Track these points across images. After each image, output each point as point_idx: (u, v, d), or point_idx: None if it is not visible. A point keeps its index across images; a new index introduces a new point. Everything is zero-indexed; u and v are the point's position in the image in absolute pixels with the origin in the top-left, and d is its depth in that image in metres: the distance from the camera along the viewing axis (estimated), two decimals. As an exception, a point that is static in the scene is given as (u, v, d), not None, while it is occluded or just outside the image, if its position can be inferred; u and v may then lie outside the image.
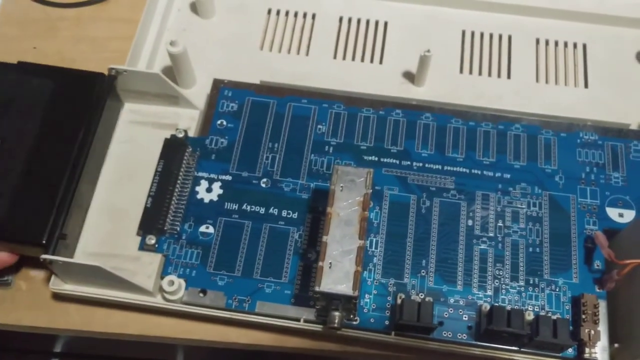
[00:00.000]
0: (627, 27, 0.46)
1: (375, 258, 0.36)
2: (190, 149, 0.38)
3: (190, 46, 0.42)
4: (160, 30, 0.45)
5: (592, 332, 0.33)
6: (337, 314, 0.33)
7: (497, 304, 0.34)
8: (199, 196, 0.37)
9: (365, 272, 0.35)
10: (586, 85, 0.44)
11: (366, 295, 0.35)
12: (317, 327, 0.34)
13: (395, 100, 0.41)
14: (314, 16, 0.46)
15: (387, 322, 0.34)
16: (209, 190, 0.38)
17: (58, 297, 0.37)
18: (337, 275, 0.31)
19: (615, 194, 0.38)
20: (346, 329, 0.34)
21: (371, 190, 0.33)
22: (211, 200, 0.37)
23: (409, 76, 0.44)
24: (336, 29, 0.46)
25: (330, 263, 0.31)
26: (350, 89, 0.42)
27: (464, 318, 0.34)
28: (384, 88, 0.42)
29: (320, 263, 0.31)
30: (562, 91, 0.43)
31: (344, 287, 0.31)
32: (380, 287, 0.35)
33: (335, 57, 0.45)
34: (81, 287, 0.36)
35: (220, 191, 0.37)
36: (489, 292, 0.35)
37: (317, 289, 0.31)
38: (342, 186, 0.33)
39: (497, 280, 0.35)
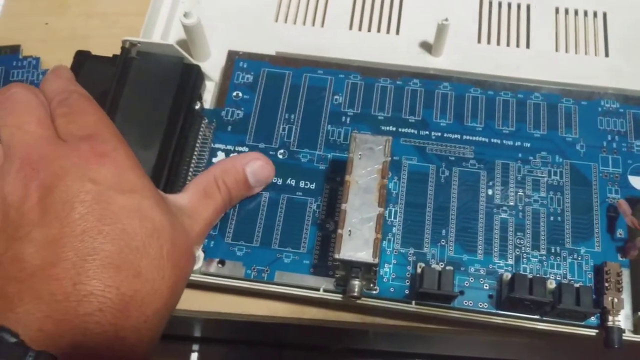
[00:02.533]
0: (649, -6, 0.45)
1: (394, 228, 0.35)
2: (207, 121, 0.38)
3: (204, 18, 0.42)
4: (174, 3, 0.44)
5: (616, 300, 0.33)
6: (356, 282, 0.33)
7: (519, 272, 0.33)
8: (215, 167, 0.37)
9: (384, 241, 0.35)
10: (607, 54, 0.43)
11: (385, 264, 0.35)
12: (337, 297, 0.34)
13: (413, 70, 0.40)
14: (356, -11, 0.46)
15: (407, 292, 0.34)
16: (225, 161, 0.37)
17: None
18: (356, 243, 0.31)
19: (637, 162, 0.37)
20: (366, 298, 0.34)
21: (390, 158, 0.33)
22: (228, 172, 0.37)
23: (426, 46, 0.43)
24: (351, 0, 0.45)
25: (350, 231, 0.31)
26: (369, 60, 0.41)
27: (484, 287, 0.34)
28: (401, 58, 0.42)
29: (339, 231, 0.31)
30: (582, 60, 0.43)
31: (364, 255, 0.30)
32: (399, 256, 0.35)
33: (351, 28, 0.44)
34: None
35: (237, 162, 0.37)
36: (510, 261, 0.35)
37: (336, 256, 0.31)
38: (360, 154, 0.33)
39: (518, 249, 0.35)
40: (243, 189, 0.34)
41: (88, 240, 0.25)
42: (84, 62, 0.37)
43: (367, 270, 0.32)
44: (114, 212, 0.26)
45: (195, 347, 0.49)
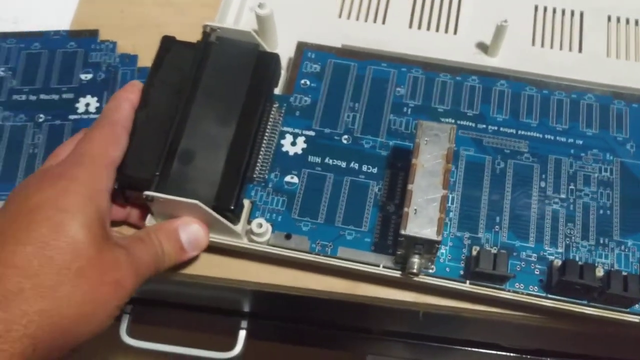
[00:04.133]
0: (700, 5, 0.46)
1: (451, 213, 0.38)
2: (277, 105, 0.40)
3: (273, 10, 0.44)
4: (243, -5, 0.47)
5: (661, 289, 0.34)
6: (416, 260, 0.35)
7: (570, 259, 0.35)
8: (284, 149, 0.39)
9: (441, 225, 0.37)
10: (657, 61, 0.45)
11: (442, 246, 0.37)
12: (396, 273, 0.36)
13: (472, 67, 0.43)
14: (388, -12, 0.48)
15: (461, 272, 0.36)
16: (293, 144, 0.40)
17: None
18: (421, 221, 0.33)
19: (685, 164, 0.39)
20: (423, 276, 0.36)
21: (454, 145, 0.35)
22: (295, 153, 0.39)
23: (483, 47, 0.45)
24: (411, 1, 0.48)
25: (415, 210, 0.33)
26: (429, 56, 0.43)
27: (535, 272, 0.36)
28: (458, 57, 0.44)
29: (406, 209, 0.33)
30: (633, 66, 0.45)
31: (429, 232, 0.33)
32: (455, 239, 0.37)
33: (410, 26, 0.47)
34: (173, 227, 0.38)
35: (304, 145, 0.40)
36: (560, 249, 0.37)
37: (403, 232, 0.33)
38: (426, 140, 0.35)
39: (568, 239, 0.37)
40: (175, 246, 0.36)
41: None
42: (170, 47, 0.40)
43: (429, 249, 0.34)
44: (39, 222, 0.30)
45: (244, 323, 0.51)
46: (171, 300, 0.54)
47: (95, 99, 0.43)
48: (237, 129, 0.37)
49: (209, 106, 0.38)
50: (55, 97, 0.43)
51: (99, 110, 0.43)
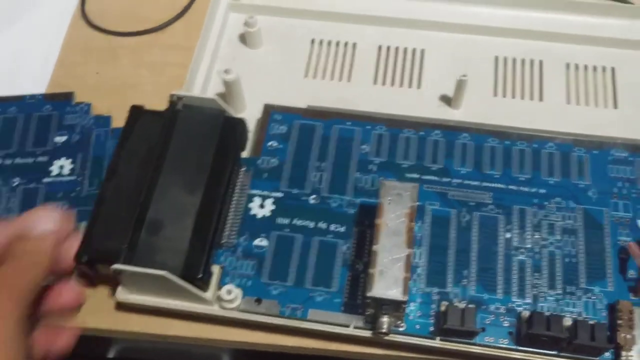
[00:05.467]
0: (654, 51, 0.48)
1: (419, 268, 0.38)
2: (244, 169, 0.41)
3: (240, 74, 0.45)
4: (212, 59, 0.48)
5: (628, 336, 0.35)
6: (386, 319, 0.35)
7: (536, 310, 0.36)
8: (252, 212, 0.40)
9: (410, 281, 0.37)
10: (615, 106, 0.46)
11: (411, 303, 0.37)
12: (366, 333, 0.36)
13: (435, 122, 0.43)
14: (354, 45, 0.49)
15: (431, 328, 0.36)
16: (261, 206, 0.40)
17: (122, 306, 0.40)
18: (387, 282, 0.33)
19: (646, 208, 0.40)
20: (393, 334, 0.36)
21: (417, 203, 0.35)
22: (264, 216, 0.40)
23: (446, 100, 0.46)
24: (376, 56, 0.49)
25: (381, 270, 0.34)
26: (392, 112, 0.44)
27: (504, 324, 0.36)
28: (422, 111, 0.45)
29: (371, 270, 0.34)
30: (592, 112, 0.46)
31: (394, 292, 0.33)
32: (424, 295, 0.37)
33: (375, 82, 0.48)
34: (145, 296, 0.38)
35: (273, 207, 0.40)
36: (528, 300, 0.37)
37: (368, 294, 0.33)
38: (389, 199, 0.36)
39: (535, 289, 0.37)
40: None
41: None
42: (138, 116, 0.40)
43: (396, 308, 0.34)
44: None
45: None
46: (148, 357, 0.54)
47: (70, 161, 0.44)
48: (204, 196, 0.38)
49: (177, 174, 0.38)
50: (30, 160, 0.44)
51: (72, 172, 0.43)
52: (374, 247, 0.34)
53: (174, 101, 0.41)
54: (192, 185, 0.38)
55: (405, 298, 0.33)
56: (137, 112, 0.41)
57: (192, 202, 0.38)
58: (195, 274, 0.36)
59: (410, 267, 0.34)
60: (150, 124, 0.40)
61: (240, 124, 0.41)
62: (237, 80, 0.43)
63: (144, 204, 0.37)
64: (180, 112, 0.41)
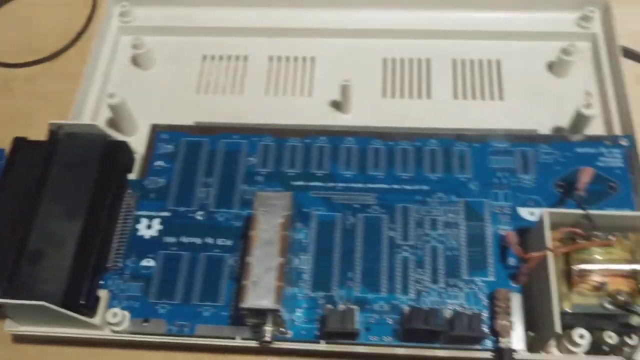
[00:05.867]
0: (537, 41, 0.49)
1: (305, 275, 0.38)
2: (130, 191, 0.41)
3: (133, 96, 0.46)
4: (104, 84, 0.48)
5: (505, 322, 0.36)
6: (268, 328, 0.35)
7: (414, 305, 0.36)
8: (139, 233, 0.40)
9: (296, 288, 0.38)
10: (501, 98, 0.47)
11: (297, 309, 0.37)
12: (253, 343, 0.37)
13: (321, 128, 0.44)
14: (245, 58, 0.50)
15: (317, 333, 0.37)
16: (149, 227, 0.40)
17: (19, 338, 0.40)
18: (260, 292, 0.34)
19: (526, 195, 0.40)
20: (279, 341, 0.36)
21: (290, 212, 0.36)
22: (151, 236, 0.40)
23: (336, 105, 0.47)
24: (267, 67, 0.49)
25: (254, 281, 0.34)
26: (283, 122, 0.45)
27: (388, 322, 0.37)
28: (314, 118, 0.46)
29: (244, 282, 0.34)
30: (479, 105, 0.47)
31: (267, 302, 0.33)
32: (310, 300, 0.38)
33: (267, 93, 0.48)
34: (35, 327, 0.38)
35: (160, 227, 0.40)
36: (412, 296, 0.38)
37: (241, 305, 0.33)
38: (263, 210, 0.36)
39: (418, 284, 0.38)
40: None
41: None
42: (20, 148, 0.41)
43: (272, 317, 0.34)
44: None
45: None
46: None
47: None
48: (85, 222, 0.38)
49: (57, 203, 0.39)
50: None
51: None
52: (247, 259, 0.35)
53: (54, 130, 0.41)
54: (73, 213, 0.38)
55: (277, 306, 0.33)
56: (19, 144, 0.41)
57: (72, 230, 0.38)
58: (77, 300, 0.36)
59: (284, 276, 0.34)
60: (33, 154, 0.41)
61: (122, 146, 0.41)
62: (122, 103, 0.44)
63: (23, 235, 0.37)
64: (61, 140, 0.41)
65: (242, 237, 0.40)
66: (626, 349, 0.35)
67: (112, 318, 0.37)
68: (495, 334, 0.36)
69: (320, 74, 0.49)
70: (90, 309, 0.37)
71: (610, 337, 0.35)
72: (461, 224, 0.40)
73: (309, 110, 0.47)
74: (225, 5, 0.51)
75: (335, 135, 0.43)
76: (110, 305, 0.38)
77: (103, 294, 0.38)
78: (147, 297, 0.38)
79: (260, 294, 0.34)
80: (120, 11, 0.51)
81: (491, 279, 0.38)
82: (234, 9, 0.51)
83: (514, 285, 0.38)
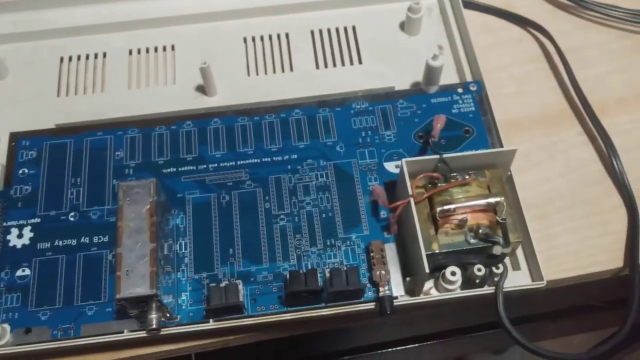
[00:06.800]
0: (387, 3, 0.51)
1: (186, 258, 0.39)
2: (-5, 202, 0.40)
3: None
4: (-48, 100, 0.46)
5: (382, 272, 0.37)
6: (153, 316, 0.35)
7: (293, 270, 0.37)
8: (11, 244, 0.39)
9: (178, 273, 0.38)
10: (360, 62, 0.48)
11: (182, 293, 0.38)
12: (141, 334, 0.36)
13: (186, 113, 0.44)
14: (104, 54, 0.49)
15: (204, 313, 0.37)
16: (20, 236, 0.39)
17: None
18: (134, 280, 0.34)
19: (389, 150, 0.42)
20: (167, 327, 0.37)
21: (156, 197, 0.36)
22: (24, 245, 0.39)
23: (201, 89, 0.47)
24: (127, 62, 0.49)
25: (127, 271, 0.34)
26: (149, 113, 0.45)
27: (273, 290, 0.38)
28: (182, 105, 0.46)
29: (117, 273, 0.34)
30: (340, 72, 0.48)
31: (142, 289, 0.33)
32: (194, 282, 0.38)
33: (130, 87, 0.48)
34: None
35: (32, 234, 0.39)
36: (293, 262, 0.39)
37: (117, 296, 0.33)
38: (128, 200, 0.36)
39: (298, 250, 0.39)
40: None
41: None
42: None
43: (152, 303, 0.34)
44: None
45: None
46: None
47: None
48: None
49: None
50: None
51: None
52: (118, 250, 0.34)
53: None
54: None
55: (153, 292, 0.33)
56: None
57: None
58: None
59: (157, 260, 0.34)
60: None
61: None
62: (-28, 115, 0.42)
63: None
64: None
65: (118, 232, 0.39)
66: (495, 279, 0.38)
67: (-9, 333, 0.36)
68: (375, 285, 0.37)
69: (182, 61, 0.49)
70: (-37, 327, 0.36)
71: (480, 270, 0.37)
72: (332, 186, 0.41)
73: (175, 98, 0.47)
74: (77, 4, 0.49)
75: (201, 118, 0.44)
76: (-12, 321, 0.37)
77: (-22, 311, 0.37)
78: (25, 307, 0.37)
79: (134, 282, 0.34)
80: (-37, 22, 0.49)
81: (366, 233, 0.39)
82: (87, 6, 0.50)
83: (387, 236, 0.39)
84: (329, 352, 0.63)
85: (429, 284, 0.38)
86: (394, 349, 0.64)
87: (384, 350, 0.64)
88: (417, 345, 0.64)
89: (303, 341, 0.60)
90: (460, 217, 0.36)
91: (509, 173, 0.40)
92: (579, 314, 0.66)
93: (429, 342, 0.64)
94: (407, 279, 0.38)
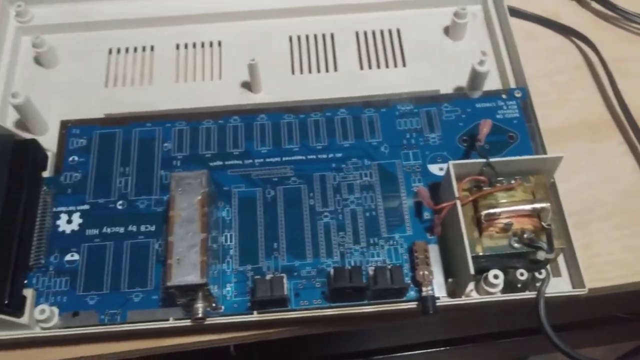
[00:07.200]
0: (432, 8, 0.51)
1: (231, 250, 0.39)
2: (45, 188, 0.41)
3: (40, 95, 0.45)
4: (7, 86, 0.47)
5: (425, 272, 0.38)
6: (199, 305, 0.36)
7: (337, 266, 0.38)
8: (60, 229, 0.40)
9: (224, 264, 0.39)
10: (404, 64, 0.49)
11: (227, 284, 0.38)
12: (186, 322, 0.37)
13: (233, 108, 0.45)
14: (152, 48, 0.50)
15: (249, 305, 0.38)
16: (69, 222, 0.40)
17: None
18: (185, 269, 0.34)
19: (434, 152, 0.43)
20: (213, 317, 0.37)
21: (207, 189, 0.37)
22: (72, 231, 0.40)
23: (247, 85, 0.48)
24: (175, 55, 0.50)
25: (178, 259, 0.35)
26: (195, 106, 0.45)
27: (316, 286, 0.38)
28: (227, 100, 0.47)
29: (168, 261, 0.34)
30: (384, 73, 0.48)
31: (192, 277, 0.34)
32: (239, 274, 0.39)
33: (177, 80, 0.48)
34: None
35: (80, 220, 0.40)
36: (336, 258, 0.39)
37: (168, 284, 0.34)
38: (180, 190, 0.37)
39: (341, 247, 0.39)
40: None
41: None
42: None
43: (200, 292, 0.35)
44: None
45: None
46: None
47: None
48: (0, 224, 0.37)
49: (-32, 207, 0.38)
50: None
51: None
52: (169, 238, 0.35)
53: (-44, 133, 0.40)
54: None
55: (203, 280, 0.34)
56: None
57: (-15, 232, 0.37)
58: (1, 301, 0.35)
59: (207, 250, 0.35)
60: None
61: (32, 144, 0.41)
62: (26, 102, 0.43)
63: None
64: (-34, 143, 0.40)
65: (166, 222, 0.40)
66: (537, 284, 0.38)
67: (40, 315, 0.37)
68: (418, 284, 0.38)
69: (228, 57, 0.49)
70: (15, 308, 0.36)
71: (522, 275, 0.38)
72: (376, 186, 0.41)
73: (220, 93, 0.47)
74: (126, -2, 0.51)
75: (248, 113, 0.44)
76: (37, 303, 0.38)
77: (28, 292, 0.38)
78: (74, 291, 0.38)
79: (185, 270, 0.34)
80: (16, 11, 0.49)
81: (409, 233, 0.40)
82: (137, 0, 0.50)
83: (430, 237, 0.40)
84: (334, 354, 0.64)
85: (469, 287, 0.38)
86: (403, 353, 0.64)
87: (385, 355, 0.64)
88: (428, 350, 0.64)
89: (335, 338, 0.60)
90: (505, 221, 0.37)
91: (552, 180, 0.40)
92: (603, 325, 0.66)
93: (441, 349, 0.64)
94: (449, 280, 0.38)
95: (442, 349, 0.63)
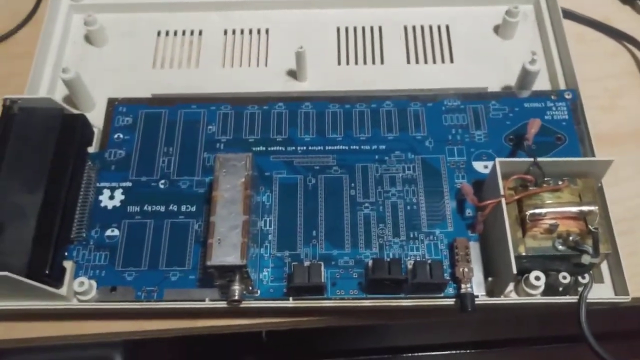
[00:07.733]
0: (483, 6, 0.50)
1: (270, 235, 0.39)
2: (90, 163, 0.41)
3: (88, 73, 0.46)
4: (57, 62, 0.48)
5: (466, 269, 0.37)
6: (236, 287, 0.36)
7: (377, 257, 0.37)
8: (102, 204, 0.40)
9: (262, 248, 0.39)
10: (452, 61, 0.48)
11: (264, 269, 0.38)
12: (222, 304, 0.37)
13: (277, 95, 0.45)
14: (200, 32, 0.50)
15: (285, 290, 0.37)
16: (111, 197, 0.41)
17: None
18: (225, 249, 0.34)
19: (479, 150, 0.42)
20: (248, 301, 0.37)
21: (251, 172, 0.37)
22: (114, 207, 0.40)
23: (292, 74, 0.48)
24: (222, 40, 0.50)
25: (219, 239, 0.35)
26: (240, 91, 0.46)
27: (353, 276, 0.38)
28: (272, 87, 0.47)
29: (209, 240, 0.35)
30: (431, 68, 0.48)
31: (233, 258, 0.34)
32: (276, 260, 0.38)
33: (224, 65, 0.49)
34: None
35: (122, 197, 0.41)
36: (375, 250, 0.39)
37: (208, 263, 0.34)
38: (224, 171, 0.37)
39: (380, 239, 0.39)
40: None
41: None
42: None
43: (239, 274, 0.35)
44: None
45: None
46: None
47: None
48: (46, 194, 0.38)
49: (16, 176, 0.38)
50: None
51: None
52: (211, 218, 0.35)
53: (7, 105, 0.40)
54: (33, 186, 0.38)
55: (244, 262, 0.34)
56: None
57: (33, 202, 0.38)
58: (41, 271, 0.36)
59: (249, 233, 0.35)
60: None
61: (80, 119, 0.41)
62: (76, 78, 0.43)
63: (-18, 209, 0.37)
64: (17, 115, 0.40)
65: (207, 203, 0.40)
66: (579, 289, 0.37)
67: (79, 287, 0.37)
68: (457, 281, 0.37)
69: (274, 44, 0.49)
70: (55, 279, 0.37)
71: (565, 278, 0.37)
72: (419, 180, 0.41)
73: (266, 80, 0.47)
74: (177, -19, 0.51)
75: (293, 101, 0.44)
76: (76, 276, 0.38)
77: (68, 265, 0.38)
78: (113, 266, 0.38)
79: (225, 251, 0.34)
80: (70, -10, 0.50)
81: (450, 229, 0.39)
82: (186, -16, 0.51)
83: (471, 234, 0.39)
84: (334, 350, 0.63)
85: (509, 287, 0.38)
86: (408, 354, 0.63)
87: (413, 353, 0.63)
88: (441, 353, 0.63)
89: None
90: (550, 222, 0.36)
91: (600, 184, 0.39)
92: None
93: (453, 352, 0.63)
94: (489, 279, 0.38)
95: (469, 351, 0.62)
